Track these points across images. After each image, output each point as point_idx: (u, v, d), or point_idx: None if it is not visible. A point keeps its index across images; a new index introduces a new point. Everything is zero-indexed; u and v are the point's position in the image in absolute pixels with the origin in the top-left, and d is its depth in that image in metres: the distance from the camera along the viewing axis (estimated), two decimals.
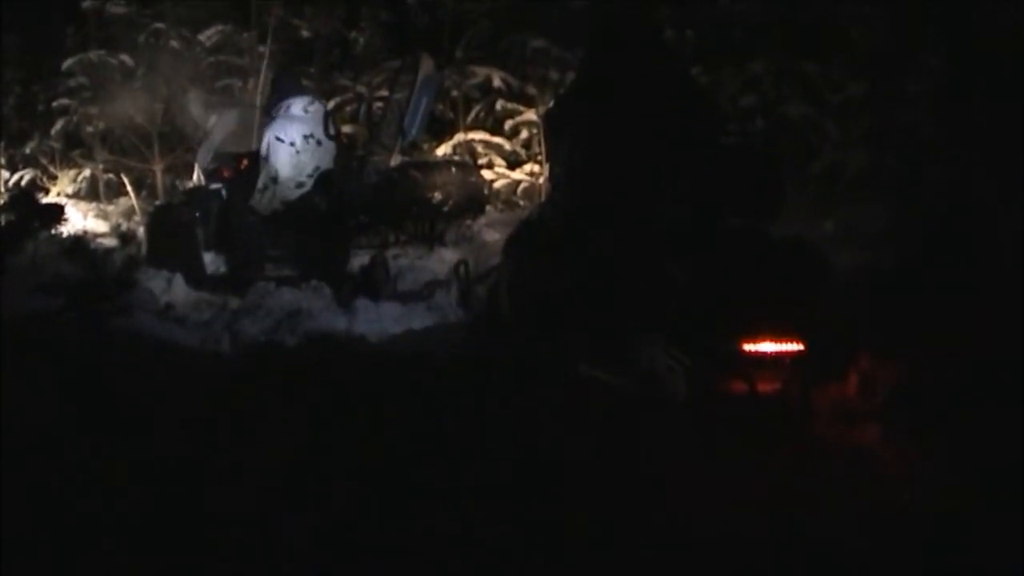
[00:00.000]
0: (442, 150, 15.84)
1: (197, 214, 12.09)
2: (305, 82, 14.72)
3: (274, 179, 12.06)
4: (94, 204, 17.01)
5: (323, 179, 12.11)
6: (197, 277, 11.61)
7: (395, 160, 12.61)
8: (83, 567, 4.68)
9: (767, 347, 6.67)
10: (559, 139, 7.70)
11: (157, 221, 12.99)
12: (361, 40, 17.65)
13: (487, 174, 15.07)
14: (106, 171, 17.34)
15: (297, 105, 12.34)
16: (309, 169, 12.18)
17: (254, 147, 12.63)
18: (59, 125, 17.33)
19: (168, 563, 4.70)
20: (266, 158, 12.08)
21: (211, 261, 11.97)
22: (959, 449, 5.73)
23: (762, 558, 4.66)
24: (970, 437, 5.81)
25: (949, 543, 4.77)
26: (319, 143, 12.21)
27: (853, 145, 13.64)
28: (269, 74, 16.15)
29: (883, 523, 5.00)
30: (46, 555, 4.74)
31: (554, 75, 15.39)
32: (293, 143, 12.13)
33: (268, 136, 12.19)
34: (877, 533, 4.90)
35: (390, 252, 12.26)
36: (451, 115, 16.34)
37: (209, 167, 12.66)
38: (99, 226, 15.72)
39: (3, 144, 17.61)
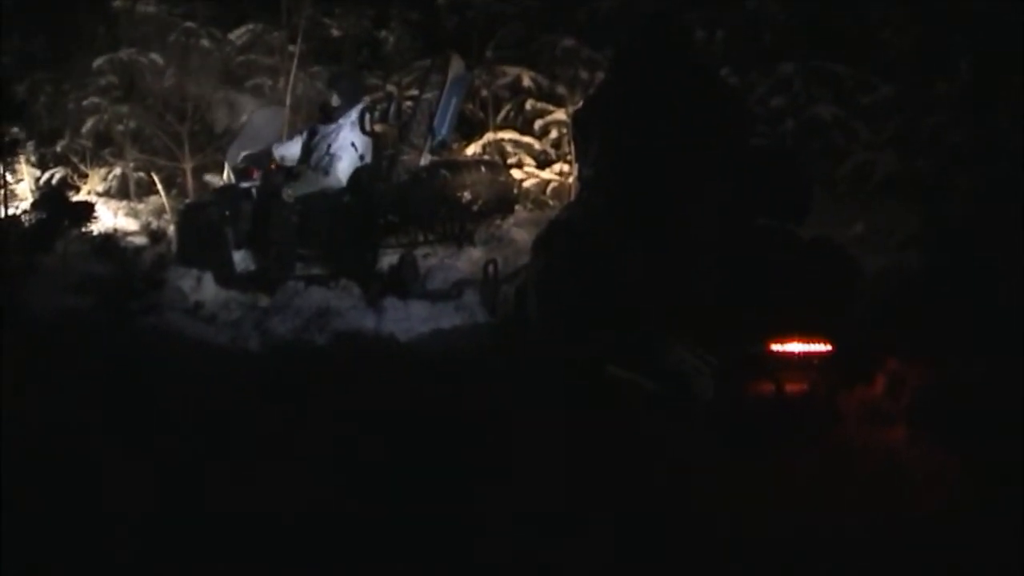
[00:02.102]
0: (472, 150, 15.84)
1: (227, 213, 12.11)
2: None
3: (324, 171, 12.09)
4: (124, 202, 17.04)
5: (353, 178, 12.11)
6: (227, 276, 11.62)
7: (424, 159, 12.60)
8: (110, 565, 4.70)
9: (795, 348, 6.69)
10: (588, 140, 7.70)
11: (187, 220, 13.00)
12: (391, 40, 17.70)
13: (516, 174, 15.09)
14: (136, 170, 17.37)
15: (359, 111, 12.36)
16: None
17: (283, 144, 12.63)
18: (89, 124, 17.36)
19: (195, 562, 4.72)
20: (331, 154, 12.11)
21: (241, 260, 11.98)
22: (986, 452, 5.71)
23: (786, 559, 4.66)
24: (998, 439, 5.79)
25: (974, 546, 4.76)
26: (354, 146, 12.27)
27: (883, 147, 13.61)
28: (299, 73, 16.20)
29: (909, 525, 4.99)
30: (73, 552, 4.77)
31: (584, 75, 15.39)
32: (363, 156, 12.19)
33: (343, 137, 12.16)
34: (902, 535, 4.89)
35: (419, 251, 12.27)
36: (481, 115, 16.35)
37: (239, 166, 12.67)
38: (129, 224, 15.75)
39: (34, 143, 17.66)
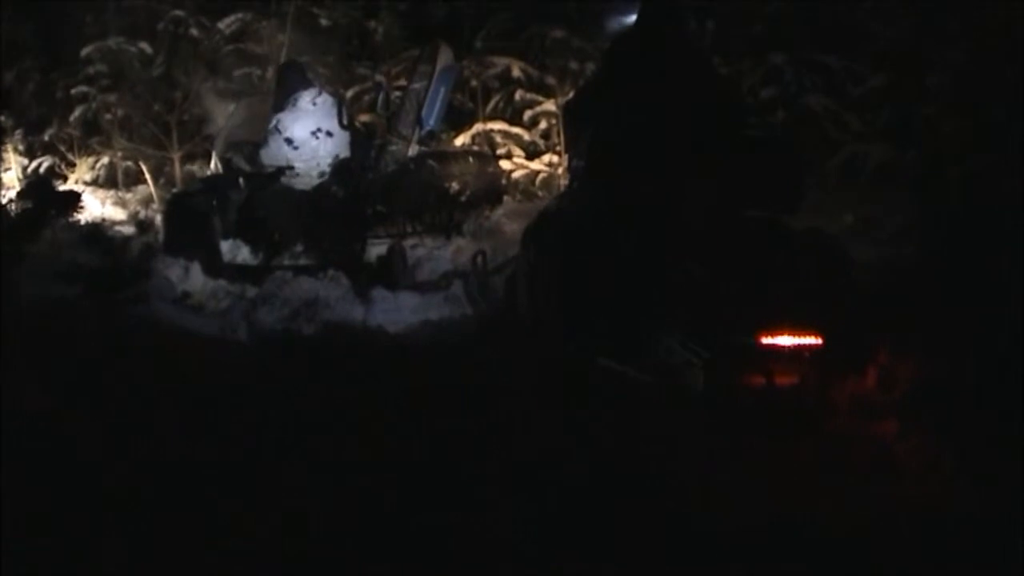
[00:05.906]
0: (460, 140, 15.84)
1: (215, 202, 12.09)
2: (313, 73, 14.64)
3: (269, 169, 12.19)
4: (112, 192, 17.06)
5: (341, 169, 12.10)
6: (214, 265, 11.60)
7: (413, 150, 12.61)
8: (96, 554, 4.68)
9: (785, 340, 6.65)
10: (579, 130, 7.69)
11: (175, 209, 12.99)
12: (380, 29, 17.68)
13: (505, 164, 15.10)
14: (124, 159, 17.38)
15: (304, 98, 12.42)
16: (327, 160, 12.25)
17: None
18: (78, 112, 17.37)
19: (181, 551, 4.70)
20: (263, 147, 12.22)
21: (228, 249, 11.96)
22: (976, 444, 5.70)
23: (777, 551, 4.65)
24: (987, 432, 5.79)
25: (965, 537, 4.76)
26: (329, 135, 12.28)
27: (874, 137, 13.60)
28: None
29: (899, 516, 4.99)
30: (61, 540, 4.74)
31: (573, 65, 15.41)
32: (290, 140, 12.20)
33: (268, 126, 12.30)
34: (894, 526, 4.89)
35: (408, 242, 12.25)
36: (470, 105, 16.35)
37: (227, 155, 12.66)
38: (117, 214, 15.75)
39: (22, 131, 17.64)
